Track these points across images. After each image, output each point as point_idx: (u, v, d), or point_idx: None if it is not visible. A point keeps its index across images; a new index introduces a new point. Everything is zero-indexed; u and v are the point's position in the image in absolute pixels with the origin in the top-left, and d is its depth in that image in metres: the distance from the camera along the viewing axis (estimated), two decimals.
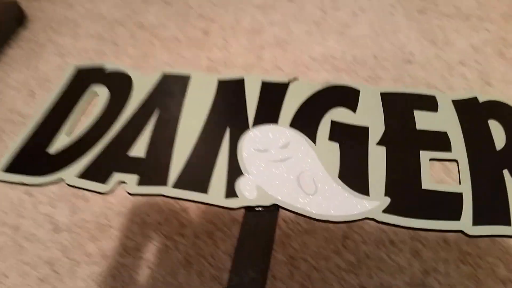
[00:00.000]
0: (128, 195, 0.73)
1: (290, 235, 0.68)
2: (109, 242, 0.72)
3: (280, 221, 0.68)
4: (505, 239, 0.66)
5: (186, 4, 1.02)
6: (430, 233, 0.65)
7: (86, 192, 0.74)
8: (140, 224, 0.72)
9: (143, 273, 0.68)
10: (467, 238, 0.65)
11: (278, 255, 0.66)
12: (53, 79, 0.92)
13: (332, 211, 0.64)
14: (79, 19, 1.03)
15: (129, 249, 0.71)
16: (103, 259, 0.70)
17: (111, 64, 0.84)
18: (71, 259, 0.71)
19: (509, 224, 0.62)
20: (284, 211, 0.66)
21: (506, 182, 0.64)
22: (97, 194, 0.73)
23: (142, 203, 0.73)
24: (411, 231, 0.67)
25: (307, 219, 0.65)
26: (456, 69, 0.84)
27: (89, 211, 0.74)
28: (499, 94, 0.78)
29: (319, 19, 0.91)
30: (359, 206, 0.63)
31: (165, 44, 0.97)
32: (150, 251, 0.68)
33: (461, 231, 0.62)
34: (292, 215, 0.68)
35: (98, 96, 0.82)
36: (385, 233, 0.67)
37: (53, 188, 0.77)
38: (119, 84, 0.83)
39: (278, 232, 0.68)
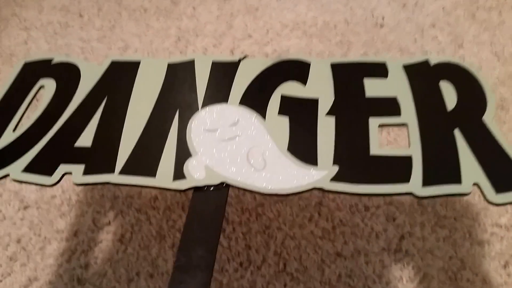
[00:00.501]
0: None
1: (264, 204, 0.66)
2: (79, 218, 0.70)
3: (254, 191, 0.67)
4: (481, 199, 0.65)
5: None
6: (404, 197, 0.64)
7: None
8: (111, 198, 0.70)
9: (116, 248, 0.66)
10: (441, 201, 0.65)
11: (253, 225, 0.64)
12: (18, 53, 0.88)
13: (281, 185, 0.64)
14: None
15: (100, 224, 0.69)
16: (73, 235, 0.68)
17: (61, 56, 0.83)
18: (40, 236, 0.69)
19: (459, 182, 0.63)
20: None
21: (457, 141, 0.63)
22: None
23: None
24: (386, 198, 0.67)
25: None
26: (428, 31, 0.83)
27: (58, 187, 0.72)
28: (471, 56, 0.78)
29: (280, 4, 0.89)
30: (306, 177, 0.64)
31: (133, 14, 0.94)
32: (122, 226, 0.66)
33: (411, 193, 0.62)
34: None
35: (45, 89, 0.81)
36: (359, 199, 0.65)
37: None
38: (66, 75, 0.82)
39: (252, 202, 0.66)
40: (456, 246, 0.63)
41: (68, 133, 0.74)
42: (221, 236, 0.65)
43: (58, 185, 0.71)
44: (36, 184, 0.67)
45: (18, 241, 0.71)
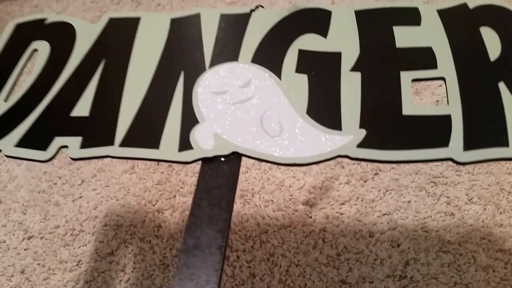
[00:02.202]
0: (101, 198, 0.70)
1: (268, 231, 0.66)
2: (83, 248, 0.69)
3: (257, 217, 0.66)
4: (485, 224, 0.64)
5: (156, 2, 1.00)
6: (408, 222, 0.64)
7: (57, 197, 0.71)
8: (114, 227, 0.69)
9: (119, 278, 0.65)
10: (445, 225, 0.64)
11: (257, 253, 0.64)
12: None
13: (300, 153, 0.56)
14: None
15: (103, 254, 0.68)
16: (76, 265, 0.68)
17: (54, 15, 0.76)
18: (44, 267, 0.69)
19: (507, 145, 0.54)
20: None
21: (503, 96, 0.55)
22: (68, 198, 0.71)
23: (116, 206, 0.70)
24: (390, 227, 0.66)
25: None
26: None
27: (61, 216, 0.72)
28: None
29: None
30: (329, 143, 0.54)
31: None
32: (125, 255, 0.66)
33: (451, 159, 0.54)
34: (269, 208, 0.66)
35: (38, 53, 0.75)
36: (363, 225, 0.65)
37: (24, 194, 0.74)
38: (61, 37, 0.74)
39: (256, 229, 0.65)
40: (460, 272, 0.62)
41: (63, 102, 0.65)
42: (225, 264, 0.65)
43: (62, 214, 0.71)
44: (30, 160, 0.62)
45: (22, 271, 0.70)
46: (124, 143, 0.61)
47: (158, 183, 0.68)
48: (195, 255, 0.50)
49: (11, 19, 0.97)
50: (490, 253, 0.62)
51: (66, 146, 0.62)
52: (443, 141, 0.54)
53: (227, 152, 0.56)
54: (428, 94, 0.66)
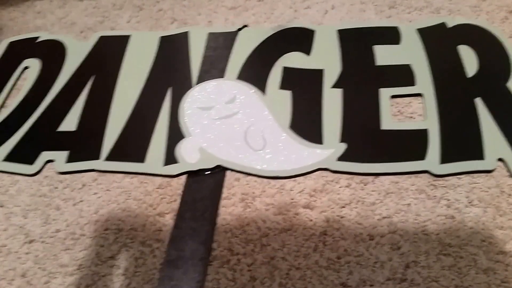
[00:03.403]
0: (102, 202, 0.70)
1: (268, 235, 0.66)
2: (83, 252, 0.69)
3: (258, 221, 0.66)
4: (486, 226, 0.64)
5: (158, 8, 1.00)
6: (408, 225, 0.64)
7: (57, 201, 0.71)
8: (115, 231, 0.69)
9: (120, 282, 0.65)
10: (445, 228, 0.64)
11: (257, 256, 0.63)
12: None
13: (282, 166, 0.57)
14: (50, 27, 1.00)
15: (104, 258, 0.68)
16: (77, 269, 0.68)
17: (46, 34, 0.76)
18: (45, 270, 0.69)
19: (482, 158, 0.55)
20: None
21: (479, 111, 0.56)
22: (69, 202, 0.71)
23: (117, 210, 0.70)
24: (390, 228, 0.65)
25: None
26: None
27: (62, 220, 0.72)
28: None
29: (291, 18, 0.90)
30: (311, 157, 0.56)
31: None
32: (126, 259, 0.66)
33: (427, 171, 0.55)
34: (270, 212, 0.66)
35: (29, 70, 0.74)
36: (364, 228, 0.65)
37: (25, 198, 0.74)
38: (51, 54, 0.75)
39: (257, 233, 0.65)
40: (461, 274, 0.62)
41: (51, 117, 0.66)
42: (226, 268, 0.65)
43: (63, 218, 0.71)
44: (18, 174, 0.62)
45: (23, 275, 0.70)
46: (110, 157, 0.63)
47: (159, 187, 0.68)
48: (178, 267, 0.51)
49: (15, 25, 0.98)
50: (491, 255, 0.62)
51: (53, 160, 0.63)
52: (420, 155, 0.55)
53: (211, 165, 0.58)
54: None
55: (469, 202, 0.67)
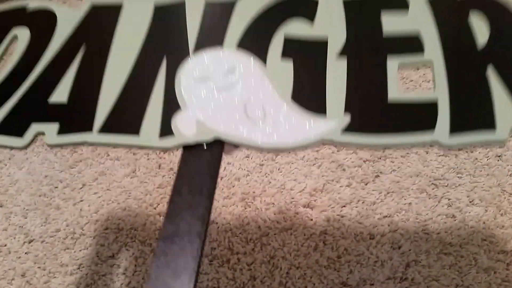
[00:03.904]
0: (102, 202, 0.71)
1: (268, 234, 0.67)
2: (83, 251, 0.70)
3: (258, 220, 0.67)
4: (487, 225, 0.65)
5: None
6: (409, 225, 0.65)
7: (57, 201, 0.72)
8: (115, 230, 0.70)
9: (120, 281, 0.66)
10: (446, 227, 0.65)
11: (257, 256, 0.64)
12: None
13: (283, 138, 0.55)
14: None
15: (104, 257, 0.69)
16: (77, 269, 0.69)
17: (35, 1, 0.75)
18: (45, 270, 0.70)
19: (493, 128, 0.54)
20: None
21: (490, 80, 0.55)
22: (69, 202, 0.72)
23: (117, 209, 0.71)
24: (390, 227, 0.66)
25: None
26: None
27: (61, 220, 0.73)
28: None
29: None
30: (314, 128, 0.54)
31: None
32: (127, 258, 0.67)
33: (437, 142, 0.53)
34: (270, 211, 0.67)
35: (18, 40, 0.74)
36: (364, 227, 0.66)
37: (25, 198, 0.75)
38: (41, 23, 0.73)
39: (257, 232, 0.66)
40: (462, 274, 0.63)
41: (41, 89, 0.64)
42: (226, 267, 0.66)
43: (63, 217, 0.72)
44: (7, 147, 0.61)
45: (23, 275, 0.71)
46: (103, 129, 0.61)
47: (159, 187, 0.69)
48: (174, 242, 0.50)
49: None
50: (492, 254, 0.63)
51: (43, 133, 0.61)
52: (429, 125, 0.53)
53: (208, 138, 0.56)
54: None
55: (470, 201, 0.68)
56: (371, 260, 0.64)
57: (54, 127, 0.63)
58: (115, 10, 0.73)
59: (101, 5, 0.73)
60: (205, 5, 0.69)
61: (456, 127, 0.54)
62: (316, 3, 0.67)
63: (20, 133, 0.64)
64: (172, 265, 0.52)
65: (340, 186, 0.69)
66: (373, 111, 0.56)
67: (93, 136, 0.62)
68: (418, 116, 0.56)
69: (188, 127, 0.57)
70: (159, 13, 0.72)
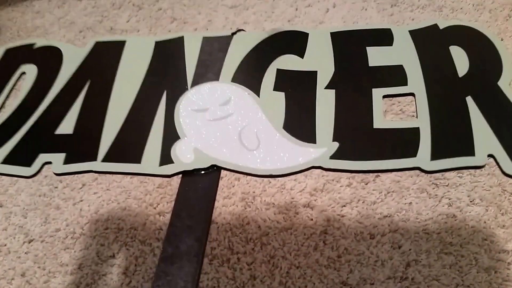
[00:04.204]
0: (102, 202, 0.72)
1: (268, 234, 0.67)
2: (83, 251, 0.71)
3: (258, 220, 0.68)
4: (487, 225, 0.65)
5: (157, 7, 1.02)
6: (409, 224, 0.65)
7: (57, 201, 0.73)
8: (115, 230, 0.71)
9: (120, 281, 0.67)
10: (447, 227, 0.65)
11: (257, 255, 0.65)
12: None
13: (276, 165, 0.59)
14: (49, 27, 1.02)
15: (104, 257, 0.69)
16: (77, 268, 0.69)
17: (43, 40, 0.78)
18: (45, 270, 0.70)
19: (472, 154, 0.58)
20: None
21: (470, 109, 0.57)
22: (69, 202, 0.72)
23: (117, 209, 0.72)
24: (390, 227, 0.67)
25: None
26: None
27: (61, 220, 0.73)
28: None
29: (292, 16, 0.91)
30: (304, 156, 0.59)
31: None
32: (126, 258, 0.67)
33: (418, 168, 0.57)
34: (270, 211, 0.67)
35: (26, 76, 0.77)
36: (364, 227, 0.66)
37: (24, 198, 0.75)
38: (48, 60, 0.78)
39: (257, 232, 0.67)
40: (462, 273, 0.63)
41: (48, 121, 0.69)
42: (226, 266, 0.66)
43: (63, 217, 0.73)
44: (15, 176, 0.64)
45: (23, 274, 0.71)
46: (106, 159, 0.65)
47: (159, 186, 0.69)
48: (173, 263, 0.53)
49: (13, 25, 1.00)
50: (492, 254, 0.64)
51: (50, 162, 0.65)
52: (412, 152, 0.57)
53: (206, 165, 0.60)
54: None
55: (471, 201, 0.68)
56: (371, 260, 0.64)
57: (60, 157, 0.68)
58: (118, 46, 0.78)
59: (104, 42, 0.77)
60: (203, 40, 0.73)
61: (437, 153, 0.59)
62: (307, 35, 0.71)
63: (28, 163, 0.69)
64: (172, 284, 0.54)
65: (341, 186, 0.69)
66: (359, 139, 0.61)
67: (98, 164, 0.66)
68: (401, 144, 0.60)
69: (187, 155, 0.61)
70: (160, 48, 0.76)
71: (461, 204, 0.68)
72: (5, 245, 0.73)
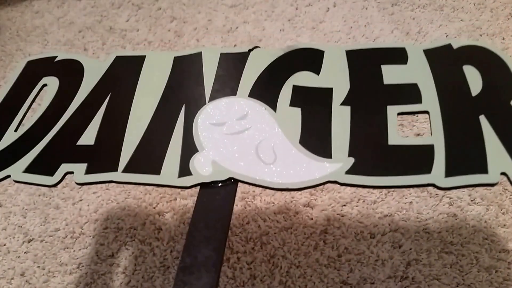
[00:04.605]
0: (101, 201, 0.73)
1: (268, 233, 0.68)
2: (83, 251, 0.72)
3: (258, 219, 0.68)
4: (488, 225, 0.66)
5: (157, 6, 1.03)
6: (410, 224, 0.66)
7: (57, 200, 0.74)
8: (114, 230, 0.72)
9: (119, 280, 0.68)
10: (447, 226, 0.66)
11: (257, 255, 0.66)
12: None
13: (292, 179, 0.61)
14: (48, 27, 1.03)
15: (103, 256, 0.70)
16: (77, 268, 0.70)
17: (64, 53, 0.81)
18: (44, 269, 0.71)
19: (485, 172, 0.59)
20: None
21: (483, 128, 0.59)
22: (68, 201, 0.73)
23: (117, 209, 0.73)
24: (391, 226, 0.68)
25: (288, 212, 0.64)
26: None
27: (61, 219, 0.74)
28: None
29: (292, 16, 0.92)
30: (320, 170, 0.60)
31: (137, 48, 0.98)
32: (126, 257, 0.68)
33: (433, 185, 0.58)
34: (270, 210, 0.68)
35: (48, 88, 0.81)
36: (365, 226, 0.67)
37: (24, 197, 0.76)
38: (69, 73, 0.81)
39: (257, 231, 0.68)
40: (463, 273, 0.64)
41: (70, 132, 0.71)
42: (226, 266, 0.67)
43: (62, 217, 0.73)
44: (38, 185, 0.66)
45: (22, 274, 0.72)
46: (126, 169, 0.67)
47: (159, 186, 0.70)
48: (191, 273, 0.55)
49: (12, 24, 1.01)
50: (493, 253, 0.65)
51: (72, 172, 0.67)
52: (426, 169, 0.59)
53: (224, 178, 0.62)
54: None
55: (472, 200, 0.69)
56: (371, 259, 0.65)
57: (82, 167, 0.69)
58: (138, 61, 0.81)
59: (125, 56, 0.80)
60: (220, 55, 0.75)
61: (451, 171, 0.60)
62: (322, 53, 0.74)
63: (50, 172, 0.71)
64: None
65: (341, 185, 0.70)
66: (374, 155, 0.62)
67: (118, 175, 0.68)
68: (416, 160, 0.62)
69: (205, 167, 0.63)
70: (178, 63, 0.79)
71: (462, 203, 0.69)
72: (5, 244, 0.74)
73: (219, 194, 0.61)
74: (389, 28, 0.89)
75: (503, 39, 0.84)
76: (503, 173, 0.57)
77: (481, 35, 0.85)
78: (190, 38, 0.94)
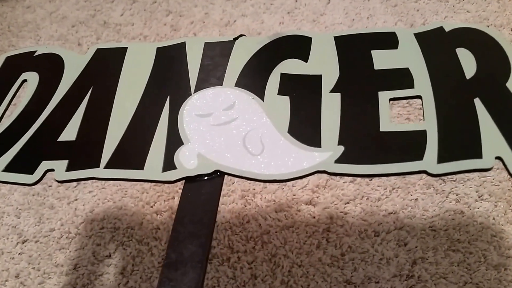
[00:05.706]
0: (97, 200, 0.73)
1: (269, 232, 0.68)
2: (79, 251, 0.72)
3: (259, 218, 0.69)
4: (496, 221, 0.66)
5: (152, 0, 1.03)
6: (416, 221, 0.66)
7: (51, 200, 0.74)
8: (111, 230, 0.72)
9: (117, 281, 0.68)
10: (454, 224, 0.66)
11: (258, 254, 0.66)
12: None
13: (280, 170, 0.61)
14: (40, 22, 1.04)
15: (100, 256, 0.70)
16: (73, 269, 0.71)
17: (44, 47, 0.81)
18: (40, 271, 0.71)
19: (480, 157, 0.59)
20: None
21: (478, 111, 0.59)
22: (63, 201, 0.74)
23: (113, 208, 0.73)
24: (396, 224, 0.68)
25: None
26: None
27: (56, 219, 0.75)
28: None
29: (292, 8, 0.92)
30: (309, 160, 0.61)
31: (132, 42, 0.98)
32: (123, 258, 0.68)
33: (425, 171, 0.58)
34: (271, 208, 0.69)
35: (28, 83, 0.80)
36: (369, 224, 0.67)
37: (17, 197, 0.77)
38: (49, 67, 0.81)
39: (258, 230, 0.68)
40: (471, 271, 0.64)
41: (51, 128, 0.71)
42: (226, 266, 0.67)
43: (57, 217, 0.74)
44: (18, 184, 0.67)
45: (17, 276, 0.73)
46: (109, 165, 0.67)
47: (156, 185, 0.71)
48: (177, 269, 0.55)
49: (3, 20, 1.02)
50: (502, 251, 0.65)
51: (53, 170, 0.68)
52: (418, 155, 0.59)
53: (209, 171, 0.62)
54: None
55: (479, 197, 0.69)
56: (376, 258, 0.66)
57: (63, 164, 0.70)
58: (120, 53, 0.81)
59: (106, 49, 0.80)
60: (205, 45, 0.75)
61: (444, 156, 0.60)
62: (310, 39, 0.74)
63: (30, 170, 0.72)
64: None
65: (344, 182, 0.70)
66: (365, 143, 0.63)
67: (100, 171, 0.69)
68: (408, 147, 0.62)
69: (190, 160, 0.64)
70: (162, 53, 0.80)
71: (469, 200, 0.69)
72: None
73: (204, 187, 0.62)
74: (392, 20, 0.89)
75: (511, 30, 0.84)
76: (497, 157, 0.56)
77: (488, 26, 0.86)
78: (187, 32, 0.95)
